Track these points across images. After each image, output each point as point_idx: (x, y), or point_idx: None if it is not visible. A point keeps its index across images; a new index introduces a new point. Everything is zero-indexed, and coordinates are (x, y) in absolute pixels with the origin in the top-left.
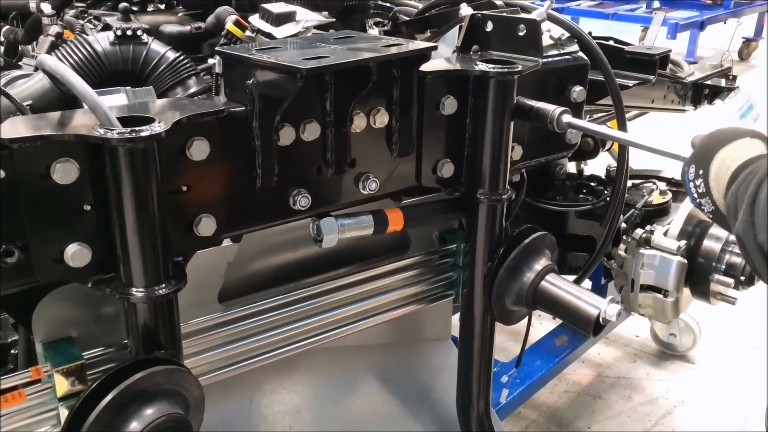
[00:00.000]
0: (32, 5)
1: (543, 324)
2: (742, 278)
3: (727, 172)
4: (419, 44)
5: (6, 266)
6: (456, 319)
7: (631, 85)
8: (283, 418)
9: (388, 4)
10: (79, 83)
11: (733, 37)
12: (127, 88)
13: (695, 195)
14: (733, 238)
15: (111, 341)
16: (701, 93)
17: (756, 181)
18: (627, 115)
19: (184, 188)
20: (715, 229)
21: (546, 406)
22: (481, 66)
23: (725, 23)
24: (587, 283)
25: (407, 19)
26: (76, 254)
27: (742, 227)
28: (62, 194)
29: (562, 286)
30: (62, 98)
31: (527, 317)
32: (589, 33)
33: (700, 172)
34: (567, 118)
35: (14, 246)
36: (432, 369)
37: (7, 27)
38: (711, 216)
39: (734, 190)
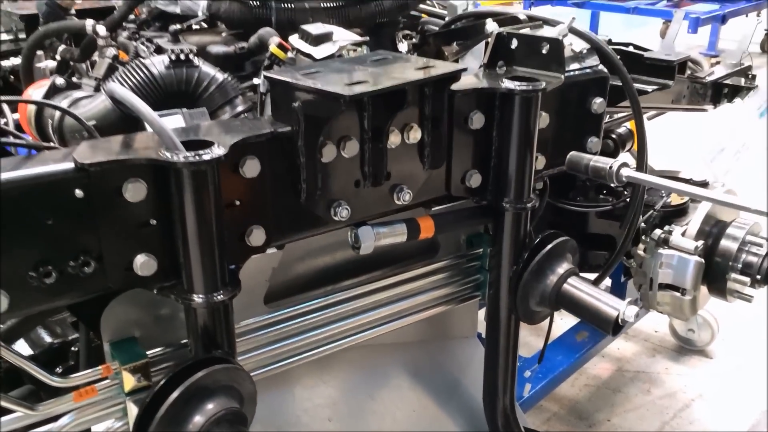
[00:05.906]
0: (88, 27)
1: (564, 320)
2: (758, 277)
3: None
4: (451, 66)
5: (84, 275)
6: (481, 315)
7: (650, 90)
8: (322, 410)
9: (419, 14)
10: (147, 111)
11: (753, 34)
12: (183, 110)
13: None
14: (749, 238)
15: (168, 340)
16: (721, 92)
17: None
18: (646, 115)
19: (237, 202)
20: (732, 229)
21: (567, 399)
22: (507, 83)
23: (747, 16)
24: (607, 281)
25: (435, 30)
26: (144, 264)
27: None
28: (132, 210)
29: (583, 289)
30: (122, 118)
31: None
32: (609, 40)
33: None
34: (626, 171)
35: (90, 257)
36: (460, 365)
37: (63, 47)
38: None
39: None
